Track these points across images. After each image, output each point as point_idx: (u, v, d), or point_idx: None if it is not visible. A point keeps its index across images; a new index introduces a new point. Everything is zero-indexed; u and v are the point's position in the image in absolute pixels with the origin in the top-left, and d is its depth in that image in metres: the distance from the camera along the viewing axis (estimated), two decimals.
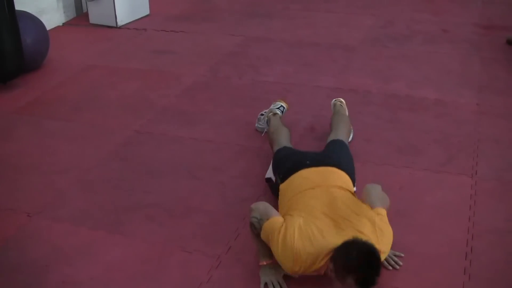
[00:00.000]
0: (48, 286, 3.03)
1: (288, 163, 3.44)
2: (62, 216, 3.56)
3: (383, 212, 2.99)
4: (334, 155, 3.57)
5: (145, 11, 7.32)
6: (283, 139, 3.82)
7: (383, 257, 2.84)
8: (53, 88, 5.35)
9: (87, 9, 7.17)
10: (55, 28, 6.92)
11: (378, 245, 2.74)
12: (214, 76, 5.44)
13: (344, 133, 3.91)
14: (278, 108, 4.26)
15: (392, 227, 3.27)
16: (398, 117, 4.55)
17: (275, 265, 2.98)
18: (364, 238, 2.71)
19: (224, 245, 3.24)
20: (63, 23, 7.12)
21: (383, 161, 3.98)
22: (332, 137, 3.82)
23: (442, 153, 4.04)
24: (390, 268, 3.03)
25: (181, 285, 2.99)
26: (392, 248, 2.98)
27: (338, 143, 3.74)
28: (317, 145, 4.08)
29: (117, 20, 6.90)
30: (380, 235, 2.86)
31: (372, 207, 3.00)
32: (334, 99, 4.30)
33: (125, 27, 6.93)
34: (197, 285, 2.98)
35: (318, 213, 2.93)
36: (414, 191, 3.68)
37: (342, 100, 4.24)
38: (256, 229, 2.98)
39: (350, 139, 4.14)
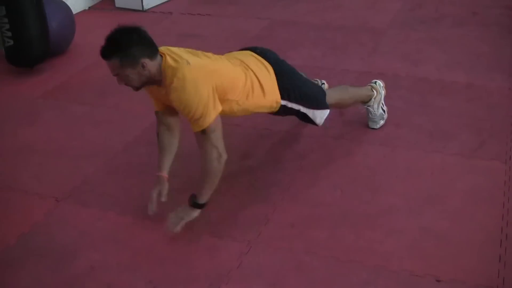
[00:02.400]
0: (76, 271, 3.02)
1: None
2: (90, 201, 3.55)
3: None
4: (286, 67, 3.57)
5: None
6: None
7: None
8: (79, 72, 5.33)
9: None
10: (80, 12, 6.91)
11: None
12: None
13: (332, 90, 3.86)
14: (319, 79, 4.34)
15: (422, 213, 3.26)
16: (428, 101, 4.47)
17: (161, 179, 3.28)
18: None
19: (254, 230, 3.21)
20: (88, 7, 7.11)
21: (413, 146, 3.90)
22: None
23: (474, 138, 3.96)
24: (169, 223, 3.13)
25: (211, 271, 2.96)
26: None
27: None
28: (346, 130, 4.02)
29: (143, 4, 6.86)
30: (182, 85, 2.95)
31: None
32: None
33: (151, 10, 6.90)
34: (227, 271, 2.94)
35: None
36: (446, 176, 3.60)
37: (374, 83, 4.07)
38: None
39: (379, 126, 4.08)
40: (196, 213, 3.15)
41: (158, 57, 3.03)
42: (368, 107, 4.03)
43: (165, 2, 7.15)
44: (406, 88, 4.66)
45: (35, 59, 5.21)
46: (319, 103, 3.61)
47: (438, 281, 2.83)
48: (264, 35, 5.97)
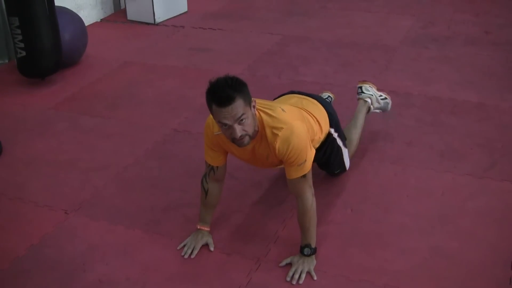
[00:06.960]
0: (84, 284, 3.01)
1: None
2: (99, 214, 3.54)
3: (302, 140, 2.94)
4: (326, 102, 3.60)
5: (183, 8, 7.31)
6: None
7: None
8: (90, 84, 5.34)
9: (125, 5, 7.16)
10: (92, 24, 6.94)
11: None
12: (253, 75, 5.38)
13: (349, 135, 3.84)
14: (325, 98, 4.28)
15: (433, 233, 3.25)
16: (439, 120, 4.46)
17: (206, 233, 3.25)
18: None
19: (263, 247, 3.19)
20: (100, 19, 7.13)
21: (424, 166, 3.89)
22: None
23: (485, 158, 3.95)
24: (288, 279, 2.97)
25: None
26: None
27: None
28: (359, 148, 4.01)
29: (155, 17, 6.89)
30: (285, 140, 2.88)
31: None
32: None
33: (163, 24, 6.92)
34: None
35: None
36: (457, 196, 3.59)
37: (360, 93, 4.11)
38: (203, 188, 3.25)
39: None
40: (315, 259, 3.07)
41: None
42: (374, 111, 4.12)
43: (177, 15, 7.18)
44: (418, 107, 4.66)
45: (47, 71, 5.22)
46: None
47: None
48: (276, 50, 5.97)
